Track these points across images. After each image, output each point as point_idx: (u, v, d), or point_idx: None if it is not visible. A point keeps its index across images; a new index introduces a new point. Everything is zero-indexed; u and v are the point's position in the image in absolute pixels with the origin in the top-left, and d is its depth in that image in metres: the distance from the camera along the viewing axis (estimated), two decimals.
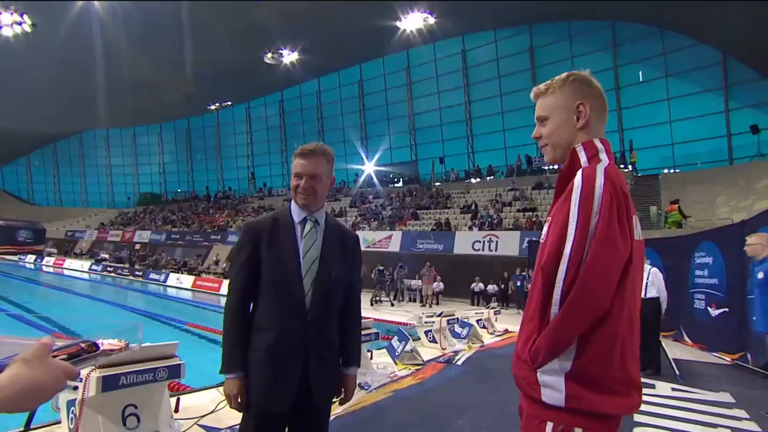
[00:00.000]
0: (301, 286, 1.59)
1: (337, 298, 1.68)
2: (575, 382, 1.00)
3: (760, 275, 3.99)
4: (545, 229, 1.17)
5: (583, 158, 1.13)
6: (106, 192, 44.67)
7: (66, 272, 24.46)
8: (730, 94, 18.42)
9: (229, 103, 37.17)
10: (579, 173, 1.07)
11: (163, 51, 26.62)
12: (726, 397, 4.59)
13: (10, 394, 0.60)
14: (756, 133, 16.48)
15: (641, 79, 20.65)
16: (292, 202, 1.73)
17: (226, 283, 17.65)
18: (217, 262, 22.82)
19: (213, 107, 37.79)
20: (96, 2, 21.83)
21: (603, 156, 1.13)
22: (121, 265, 25.12)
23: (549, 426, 1.03)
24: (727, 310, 7.06)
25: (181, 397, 3.42)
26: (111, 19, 22.90)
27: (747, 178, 14.96)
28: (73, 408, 2.51)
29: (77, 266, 25.89)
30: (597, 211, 1.00)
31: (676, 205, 13.70)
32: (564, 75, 1.21)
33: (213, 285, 17.41)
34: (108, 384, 2.50)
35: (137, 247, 29.63)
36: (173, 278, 19.60)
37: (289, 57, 28.07)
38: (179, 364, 2.99)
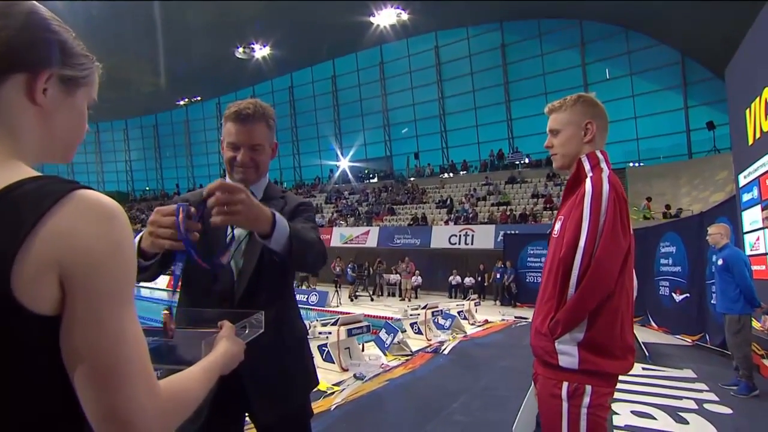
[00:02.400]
0: (230, 276, 1.30)
1: (275, 281, 1.35)
2: (586, 350, 1.26)
3: (720, 262, 4.37)
4: (558, 225, 1.42)
5: (587, 167, 1.39)
6: None
7: None
8: (689, 92, 19.48)
9: (199, 98, 36.15)
10: (588, 181, 1.32)
11: (126, 43, 25.64)
12: (689, 373, 5.02)
13: (226, 361, 0.80)
14: (712, 129, 17.53)
15: (607, 77, 21.50)
16: (227, 176, 1.45)
17: None
18: None
19: (182, 102, 36.69)
20: None
21: (603, 165, 1.40)
22: None
23: (564, 385, 1.28)
24: (688, 295, 7.61)
25: None
26: (68, 9, 21.86)
27: (705, 172, 15.93)
28: None
29: None
30: (604, 212, 1.26)
31: (650, 202, 14.69)
32: (575, 96, 1.48)
33: None
34: None
35: None
36: None
37: (261, 52, 27.61)
38: None
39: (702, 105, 18.96)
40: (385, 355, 5.41)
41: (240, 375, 1.14)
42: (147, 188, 40.60)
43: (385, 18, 23.54)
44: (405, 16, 23.27)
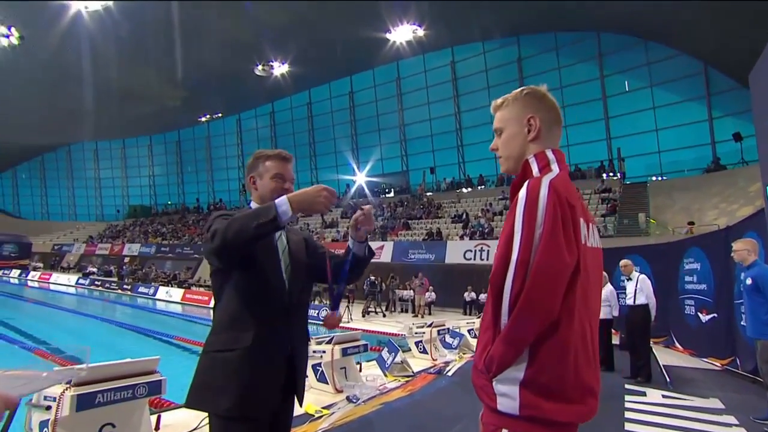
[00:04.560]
0: (283, 286, 1.58)
1: (308, 293, 1.76)
2: (529, 391, 1.02)
3: (749, 281, 3.98)
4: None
5: (534, 168, 1.17)
6: (95, 205, 44.18)
7: (52, 287, 23.99)
8: (713, 102, 18.81)
9: (220, 114, 37.09)
10: (525, 185, 1.10)
11: (152, 63, 26.59)
12: (716, 403, 4.58)
13: None
14: (738, 141, 16.83)
15: (627, 89, 21.00)
16: (252, 204, 1.71)
17: None
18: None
19: (203, 119, 37.68)
20: (84, 12, 21.73)
21: (554, 166, 1.17)
22: (110, 279, 24.73)
23: None
24: (716, 315, 7.10)
25: (162, 414, 3.32)
26: (99, 31, 22.84)
27: (733, 185, 15.20)
28: (46, 429, 2.42)
29: (64, 280, 25.41)
30: (541, 222, 1.03)
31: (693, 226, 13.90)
32: (518, 90, 1.26)
33: (203, 298, 17.16)
34: (83, 403, 2.41)
35: (126, 260, 29.20)
36: (162, 291, 19.31)
37: (280, 69, 28.17)
38: (160, 380, 2.91)
39: (727, 116, 18.28)
40: (386, 375, 5.16)
41: (294, 377, 1.58)
42: (169, 202, 41.60)
43: (402, 34, 23.75)
44: (421, 32, 23.42)
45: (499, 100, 1.29)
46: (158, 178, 42.70)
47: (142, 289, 20.52)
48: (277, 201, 1.38)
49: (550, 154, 1.19)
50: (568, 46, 22.38)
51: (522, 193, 1.08)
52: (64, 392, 2.34)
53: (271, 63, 27.67)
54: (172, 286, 20.69)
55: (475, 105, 25.97)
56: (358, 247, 1.67)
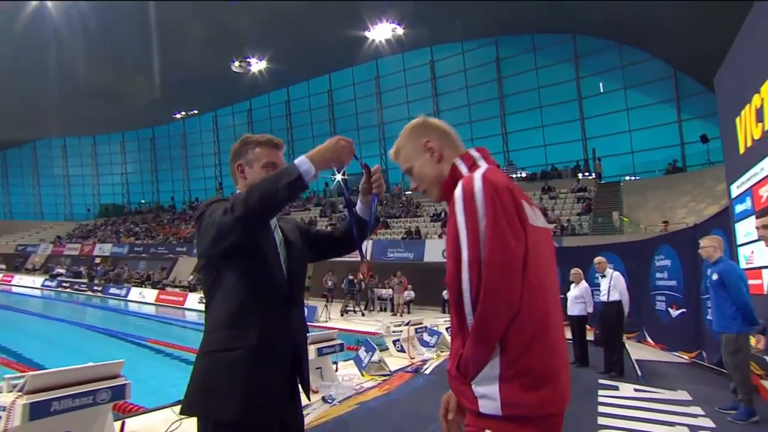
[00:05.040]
0: (283, 276, 1.49)
1: (304, 281, 1.68)
2: (507, 388, 1.00)
3: (714, 276, 4.10)
4: None
5: (463, 169, 1.19)
6: (64, 204, 42.50)
7: (14, 289, 22.99)
8: (682, 105, 19.46)
9: (196, 111, 36.22)
10: (459, 184, 1.09)
11: (124, 56, 25.73)
12: (684, 395, 4.72)
13: None
14: (705, 143, 17.47)
15: (602, 90, 21.51)
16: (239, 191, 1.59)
17: (191, 296, 17.12)
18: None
19: (178, 116, 36.73)
20: (49, 3, 20.84)
21: (481, 163, 1.19)
22: (79, 280, 23.86)
23: None
24: (685, 310, 7.32)
25: (126, 420, 3.18)
26: (66, 23, 21.94)
27: (701, 185, 15.76)
28: None
29: (28, 282, 24.40)
30: (482, 215, 1.02)
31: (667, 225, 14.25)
32: (401, 132, 1.32)
33: (177, 299, 16.73)
34: (37, 411, 2.26)
35: (97, 260, 28.23)
36: (135, 292, 18.74)
37: (258, 65, 27.70)
38: (124, 385, 2.78)
39: (695, 118, 18.95)
40: (362, 374, 5.11)
41: (301, 360, 1.49)
42: (143, 201, 40.41)
43: (380, 33, 23.66)
44: (400, 31, 23.40)
45: (393, 149, 1.34)
46: (131, 176, 41.41)
47: (113, 291, 19.88)
48: (296, 161, 1.30)
49: (474, 153, 1.22)
50: (545, 47, 22.75)
51: (458, 192, 1.07)
52: (15, 401, 2.20)
53: (248, 59, 27.17)
54: (145, 287, 20.11)
55: (453, 104, 26.14)
56: (366, 211, 1.66)
